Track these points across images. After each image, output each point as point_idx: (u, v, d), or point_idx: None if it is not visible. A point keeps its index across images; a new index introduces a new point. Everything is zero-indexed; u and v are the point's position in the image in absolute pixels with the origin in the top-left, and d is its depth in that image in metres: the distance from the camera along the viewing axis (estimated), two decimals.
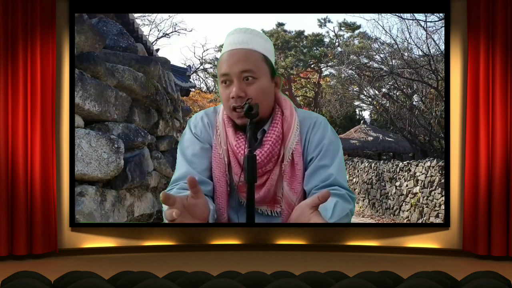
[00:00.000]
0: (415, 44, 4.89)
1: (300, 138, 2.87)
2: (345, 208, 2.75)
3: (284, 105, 2.90)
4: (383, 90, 5.30)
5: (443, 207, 4.56)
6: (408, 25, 4.81)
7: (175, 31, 4.94)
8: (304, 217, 2.43)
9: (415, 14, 4.71)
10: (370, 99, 5.44)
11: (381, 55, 5.13)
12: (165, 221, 2.40)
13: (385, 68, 5.13)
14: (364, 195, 5.25)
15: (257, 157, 2.77)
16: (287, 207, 2.86)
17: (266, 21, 4.93)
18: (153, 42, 5.06)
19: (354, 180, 5.41)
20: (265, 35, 2.98)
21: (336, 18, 5.04)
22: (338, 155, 2.87)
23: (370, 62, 5.19)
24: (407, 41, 4.88)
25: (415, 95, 5.18)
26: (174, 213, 2.14)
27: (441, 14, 4.62)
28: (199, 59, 5.36)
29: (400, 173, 5.02)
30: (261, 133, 2.87)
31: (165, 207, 2.60)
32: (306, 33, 5.33)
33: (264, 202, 2.90)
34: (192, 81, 5.45)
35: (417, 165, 4.90)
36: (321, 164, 2.82)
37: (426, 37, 4.80)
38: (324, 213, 2.54)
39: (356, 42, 5.17)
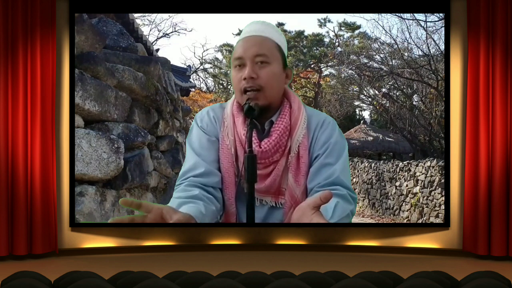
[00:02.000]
0: (415, 44, 4.89)
1: (308, 133, 2.93)
2: (346, 209, 2.77)
3: (292, 99, 2.97)
4: (383, 90, 5.29)
5: (443, 207, 4.55)
6: (408, 25, 4.81)
7: (175, 31, 4.94)
8: (306, 218, 2.45)
9: (415, 14, 4.71)
10: (370, 99, 5.44)
11: (381, 55, 5.12)
12: None
13: (385, 68, 5.13)
14: (364, 195, 5.25)
15: (265, 146, 2.84)
16: (290, 199, 2.91)
17: (266, 21, 4.91)
18: (153, 42, 5.06)
19: (354, 180, 5.40)
20: (280, 30, 3.07)
21: (336, 18, 5.04)
22: (343, 156, 2.93)
23: (370, 62, 5.19)
24: (407, 41, 4.88)
25: (415, 95, 5.18)
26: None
27: (441, 14, 4.62)
28: (199, 59, 5.37)
29: (400, 173, 5.02)
30: (269, 124, 2.92)
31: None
32: (306, 33, 5.33)
33: (269, 193, 2.94)
34: (192, 81, 5.45)
35: (417, 165, 4.89)
36: (326, 162, 2.87)
37: (426, 37, 4.80)
38: (324, 213, 2.56)
39: (356, 42, 5.17)
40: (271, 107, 2.90)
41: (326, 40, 5.26)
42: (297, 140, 2.88)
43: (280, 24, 5.25)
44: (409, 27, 4.81)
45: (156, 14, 4.87)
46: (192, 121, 3.24)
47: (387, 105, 5.28)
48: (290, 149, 2.88)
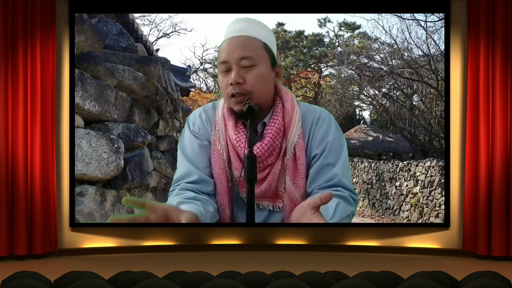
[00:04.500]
0: (415, 44, 4.89)
1: (304, 132, 2.82)
2: (347, 210, 2.74)
3: (285, 97, 2.85)
4: (383, 90, 5.30)
5: (443, 207, 4.55)
6: (408, 25, 4.81)
7: (175, 31, 4.94)
8: (306, 218, 2.43)
9: (415, 14, 4.71)
10: (370, 99, 5.44)
11: (381, 55, 5.13)
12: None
13: (385, 68, 5.13)
14: (364, 195, 5.25)
15: (258, 150, 2.74)
16: (289, 202, 2.83)
17: (266, 21, 4.88)
18: (153, 42, 5.06)
19: (354, 180, 5.40)
20: (266, 25, 2.95)
21: (336, 18, 5.04)
22: (342, 153, 2.83)
23: (370, 62, 5.19)
24: (407, 41, 4.88)
25: (415, 95, 5.18)
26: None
27: (441, 14, 4.62)
28: (199, 59, 5.37)
29: (400, 173, 5.02)
30: (261, 125, 2.83)
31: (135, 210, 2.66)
32: (306, 33, 5.33)
33: (266, 197, 2.86)
34: (192, 81, 5.45)
35: (417, 165, 4.89)
36: (326, 163, 2.78)
37: (426, 37, 4.80)
38: (325, 213, 2.54)
39: (356, 42, 5.17)
40: (262, 108, 2.80)
41: (326, 40, 5.26)
42: (292, 141, 2.78)
43: (280, 24, 5.25)
44: (409, 27, 4.81)
45: (156, 14, 4.87)
46: None
47: (387, 105, 5.28)
48: (286, 151, 2.80)
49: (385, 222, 4.94)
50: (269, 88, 2.83)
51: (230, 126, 2.81)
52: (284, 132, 2.80)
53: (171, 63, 5.04)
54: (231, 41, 2.80)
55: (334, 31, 5.17)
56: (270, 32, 2.90)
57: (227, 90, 2.77)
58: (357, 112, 5.61)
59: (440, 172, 4.65)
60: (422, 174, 4.83)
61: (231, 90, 2.75)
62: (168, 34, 4.97)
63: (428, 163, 4.80)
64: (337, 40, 5.24)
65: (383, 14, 4.73)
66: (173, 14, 4.85)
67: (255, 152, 2.73)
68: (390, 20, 4.77)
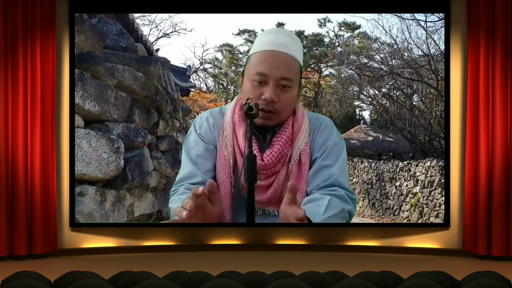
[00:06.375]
0: (415, 44, 4.89)
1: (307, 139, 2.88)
2: (340, 206, 2.74)
3: (296, 105, 2.90)
4: (383, 90, 5.30)
5: (443, 207, 4.56)
6: (408, 25, 4.81)
7: (175, 31, 4.94)
8: (289, 216, 2.42)
9: (415, 14, 4.71)
10: (370, 99, 5.44)
11: (381, 55, 5.13)
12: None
13: (385, 68, 5.13)
14: (364, 195, 5.25)
15: (268, 158, 2.78)
16: None
17: (266, 21, 4.92)
18: (153, 42, 5.06)
19: (354, 180, 5.40)
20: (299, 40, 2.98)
21: (336, 18, 5.04)
22: (341, 156, 2.88)
23: (370, 62, 5.19)
24: (407, 41, 4.89)
25: (415, 95, 5.18)
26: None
27: (441, 14, 4.62)
28: (199, 59, 5.37)
29: (400, 173, 5.02)
30: (271, 133, 2.87)
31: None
32: (306, 33, 5.33)
33: (271, 203, 2.89)
34: (192, 81, 5.45)
35: (417, 165, 4.89)
36: (324, 164, 2.83)
37: (426, 37, 4.80)
38: (317, 210, 2.56)
39: (356, 42, 5.17)
40: (279, 123, 2.85)
41: (326, 40, 5.26)
42: (299, 148, 2.82)
43: (280, 24, 5.25)
44: (409, 27, 4.81)
45: (156, 14, 4.87)
46: (192, 121, 3.18)
47: (387, 105, 5.28)
48: (291, 157, 2.83)
49: (385, 222, 4.94)
50: (293, 108, 2.89)
51: (241, 134, 2.82)
52: (292, 140, 2.84)
53: (171, 63, 5.04)
54: (274, 55, 2.75)
55: (334, 31, 5.17)
56: (302, 50, 2.92)
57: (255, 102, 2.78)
58: (357, 112, 5.61)
59: (440, 172, 4.65)
60: (422, 174, 4.83)
61: (261, 105, 2.75)
62: (168, 34, 4.97)
63: (428, 163, 4.80)
64: (337, 40, 5.24)
65: (383, 14, 4.73)
66: (173, 14, 4.85)
67: (264, 160, 2.77)
68: (390, 20, 4.77)
